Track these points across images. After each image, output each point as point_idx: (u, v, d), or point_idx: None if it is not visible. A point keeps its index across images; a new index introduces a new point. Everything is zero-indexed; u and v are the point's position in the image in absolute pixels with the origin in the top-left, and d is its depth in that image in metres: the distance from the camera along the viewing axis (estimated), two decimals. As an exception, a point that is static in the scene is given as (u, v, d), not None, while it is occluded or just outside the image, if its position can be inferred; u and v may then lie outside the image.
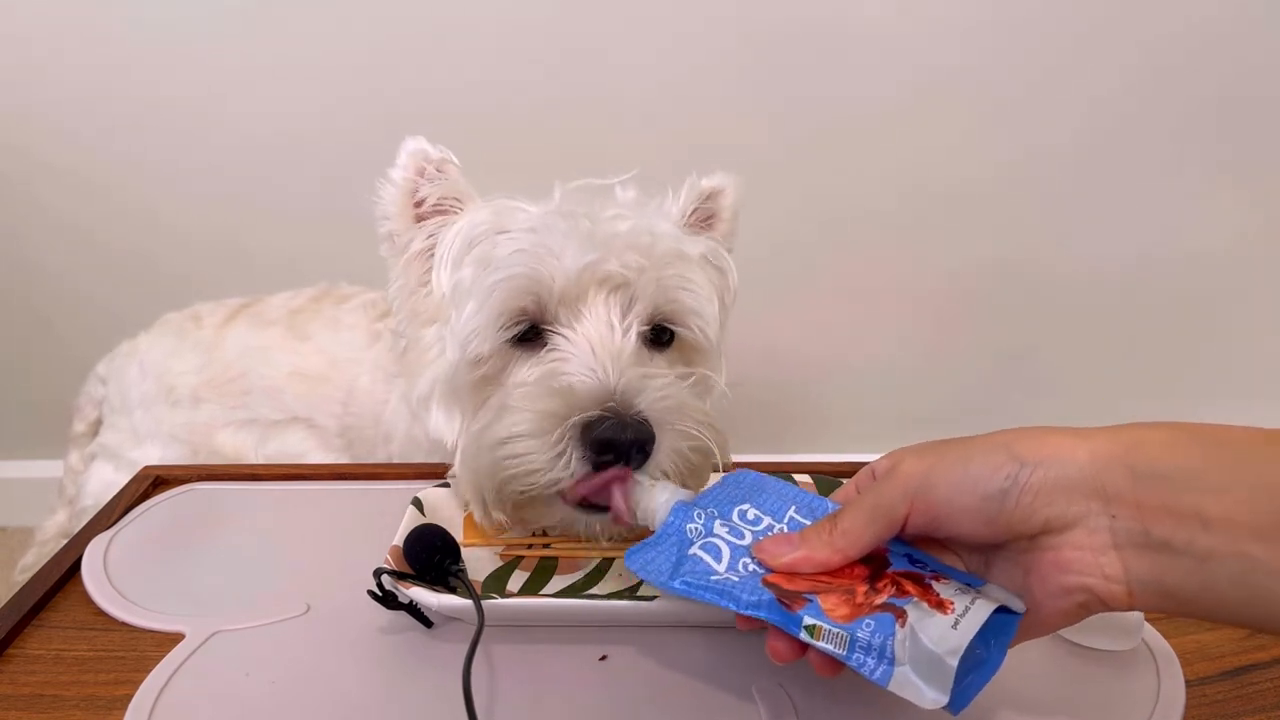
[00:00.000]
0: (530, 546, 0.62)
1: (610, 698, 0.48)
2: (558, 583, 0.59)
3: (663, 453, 0.55)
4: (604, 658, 0.51)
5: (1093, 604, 0.38)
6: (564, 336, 0.60)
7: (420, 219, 0.69)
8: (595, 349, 0.59)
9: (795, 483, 0.65)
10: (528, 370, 0.61)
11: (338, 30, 1.24)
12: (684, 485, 0.56)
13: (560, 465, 0.54)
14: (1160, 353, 1.46)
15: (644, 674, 0.50)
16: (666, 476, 0.55)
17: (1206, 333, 1.45)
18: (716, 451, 0.58)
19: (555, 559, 0.61)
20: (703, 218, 0.71)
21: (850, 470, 0.70)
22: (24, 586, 0.58)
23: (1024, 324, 1.44)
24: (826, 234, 1.37)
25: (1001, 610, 0.38)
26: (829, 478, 0.66)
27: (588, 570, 0.60)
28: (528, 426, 0.55)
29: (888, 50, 1.25)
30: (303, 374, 0.93)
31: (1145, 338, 1.45)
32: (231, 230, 1.36)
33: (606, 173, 0.67)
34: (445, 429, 0.65)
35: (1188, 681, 0.48)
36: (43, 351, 1.46)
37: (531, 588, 0.58)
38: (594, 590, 0.58)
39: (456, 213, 0.68)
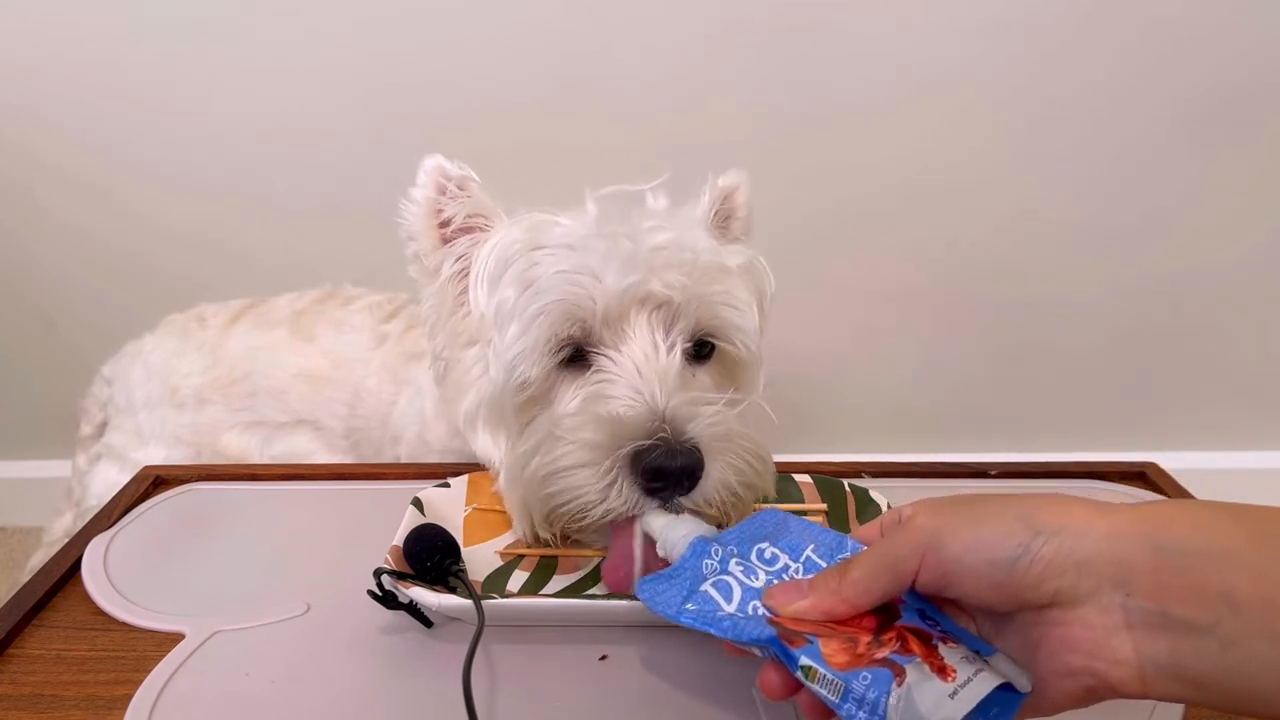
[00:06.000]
0: (530, 546, 0.61)
1: (610, 698, 0.48)
2: (558, 583, 0.59)
3: (710, 483, 0.54)
4: (604, 658, 0.51)
5: (1100, 689, 0.35)
6: (609, 358, 0.60)
7: (446, 239, 0.68)
8: (641, 370, 0.58)
9: (795, 482, 0.66)
10: (573, 392, 0.61)
11: (342, 30, 1.24)
12: (726, 517, 0.56)
13: (613, 495, 0.54)
14: (1160, 349, 1.45)
15: (644, 674, 0.50)
16: (710, 507, 0.55)
17: (1207, 328, 1.43)
18: (764, 483, 0.58)
19: (555, 559, 0.61)
20: (722, 218, 0.72)
21: (849, 470, 0.70)
22: (24, 586, 0.58)
23: (1023, 320, 1.43)
24: (821, 230, 1.36)
25: (1006, 687, 0.36)
26: (828, 477, 0.66)
27: (588, 570, 0.60)
28: (577, 458, 0.55)
29: (885, 46, 1.25)
30: (308, 375, 0.93)
31: (1145, 333, 1.44)
32: (236, 231, 1.36)
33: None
34: (491, 450, 0.65)
35: (1192, 682, 0.47)
36: (46, 353, 1.46)
37: (531, 588, 0.58)
38: (594, 590, 0.58)
39: (484, 230, 0.67)
